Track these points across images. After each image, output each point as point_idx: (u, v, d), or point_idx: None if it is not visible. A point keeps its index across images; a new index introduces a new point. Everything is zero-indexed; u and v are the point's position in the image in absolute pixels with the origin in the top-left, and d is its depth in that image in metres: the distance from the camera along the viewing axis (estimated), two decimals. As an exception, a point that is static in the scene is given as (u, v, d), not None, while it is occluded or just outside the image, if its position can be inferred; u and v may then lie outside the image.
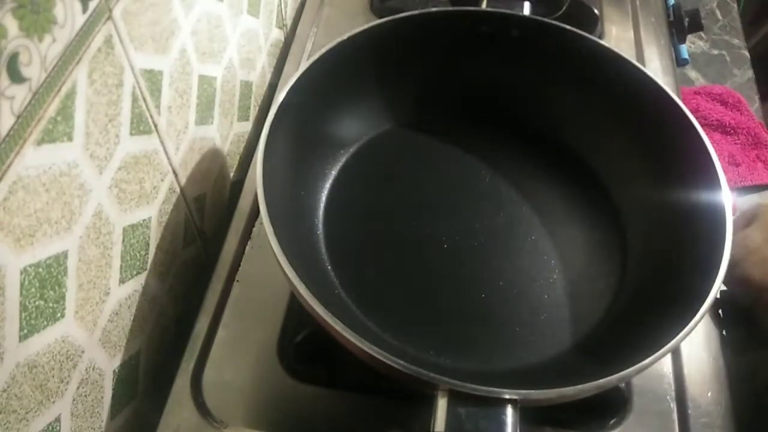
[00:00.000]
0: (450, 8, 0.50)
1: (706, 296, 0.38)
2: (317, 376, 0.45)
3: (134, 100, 0.38)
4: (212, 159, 0.51)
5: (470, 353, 0.44)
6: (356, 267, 0.47)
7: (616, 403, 0.45)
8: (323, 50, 0.46)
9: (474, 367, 0.43)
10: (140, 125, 0.39)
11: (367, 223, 0.49)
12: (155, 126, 0.41)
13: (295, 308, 0.47)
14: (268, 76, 0.64)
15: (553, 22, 0.50)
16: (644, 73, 0.48)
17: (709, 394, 0.46)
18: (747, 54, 0.81)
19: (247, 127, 0.59)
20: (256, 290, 0.48)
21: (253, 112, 0.60)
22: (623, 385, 0.45)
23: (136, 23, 0.37)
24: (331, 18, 0.69)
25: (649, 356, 0.35)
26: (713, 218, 0.43)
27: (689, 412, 0.45)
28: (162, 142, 0.42)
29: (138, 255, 0.41)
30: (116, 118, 0.36)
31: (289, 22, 0.69)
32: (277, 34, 0.65)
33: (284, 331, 0.46)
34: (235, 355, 0.46)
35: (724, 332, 0.50)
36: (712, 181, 0.44)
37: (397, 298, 0.46)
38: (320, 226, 0.48)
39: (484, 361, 0.43)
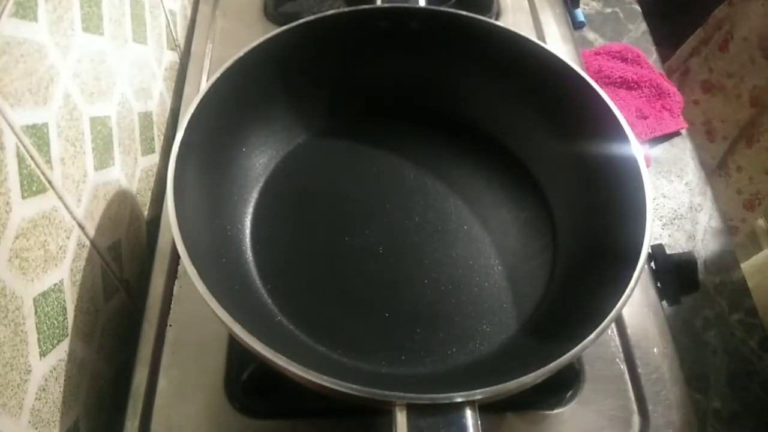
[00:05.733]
0: (345, 9, 0.49)
1: (638, 255, 0.39)
2: (272, 409, 0.43)
3: (20, 160, 0.35)
4: (120, 202, 0.48)
5: (424, 356, 0.43)
6: (294, 290, 0.45)
7: (569, 375, 0.46)
8: (218, 72, 0.44)
9: (430, 370, 0.42)
10: (32, 185, 0.36)
11: (298, 243, 0.48)
12: (49, 182, 0.38)
13: (237, 344, 0.45)
14: (169, 102, 0.61)
15: (448, 9, 0.50)
16: (540, 46, 0.49)
17: (655, 349, 0.47)
18: (638, 8, 0.84)
19: (155, 159, 0.56)
20: (192, 331, 0.46)
21: (158, 143, 0.57)
22: (573, 357, 0.46)
23: (8, 78, 0.33)
24: (225, 30, 0.66)
25: (597, 327, 0.36)
26: (629, 173, 0.44)
27: (639, 371, 0.46)
28: (60, 198, 0.39)
29: (56, 322, 0.39)
30: (3, 184, 0.33)
31: (181, 41, 0.66)
32: (171, 57, 0.62)
33: (229, 369, 0.44)
34: (181, 403, 0.43)
35: (658, 284, 0.52)
36: (621, 138, 0.45)
37: (342, 315, 0.45)
38: (249, 254, 0.46)
39: (439, 361, 0.43)
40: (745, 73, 0.92)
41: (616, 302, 0.37)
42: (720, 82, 0.96)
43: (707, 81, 0.98)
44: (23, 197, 0.35)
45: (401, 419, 0.33)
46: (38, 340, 0.37)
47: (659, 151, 0.72)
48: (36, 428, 0.36)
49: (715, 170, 1.00)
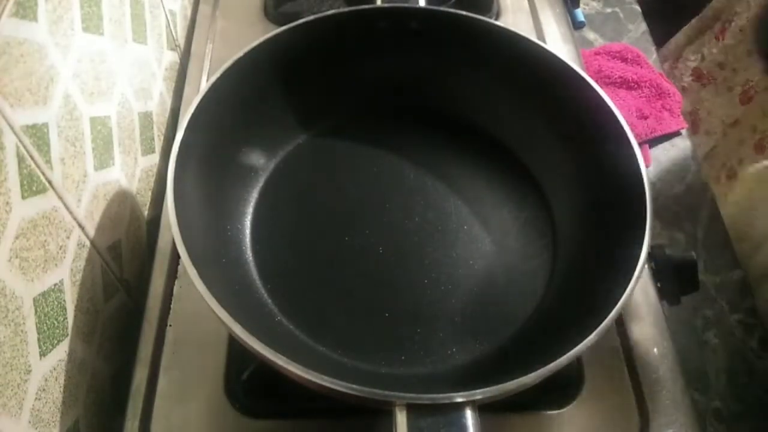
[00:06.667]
0: (345, 9, 0.49)
1: (638, 255, 0.39)
2: (273, 409, 0.43)
3: (20, 160, 0.35)
4: (121, 202, 0.48)
5: (424, 356, 0.43)
6: (294, 290, 0.45)
7: (569, 375, 0.46)
8: (218, 72, 0.44)
9: (430, 370, 0.42)
10: (32, 185, 0.36)
11: (298, 243, 0.48)
12: (49, 182, 0.38)
13: (237, 344, 0.45)
14: (169, 102, 0.60)
15: (448, 9, 0.50)
16: (540, 46, 0.49)
17: (655, 349, 0.47)
18: (638, 8, 0.84)
19: (155, 159, 0.56)
20: (192, 331, 0.46)
21: (158, 143, 0.57)
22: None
23: (8, 78, 0.33)
24: (225, 30, 0.66)
25: (597, 327, 0.36)
26: (629, 173, 0.44)
27: (639, 371, 0.46)
28: (60, 198, 0.39)
29: (56, 322, 0.39)
30: (3, 184, 0.33)
31: (181, 41, 0.66)
32: (171, 57, 0.62)
33: (229, 369, 0.44)
34: (182, 403, 0.43)
35: (658, 284, 0.51)
36: (621, 138, 0.45)
37: (342, 314, 0.45)
38: (249, 254, 0.46)
39: (439, 361, 0.43)
40: (738, 66, 0.91)
41: (616, 302, 0.37)
42: (711, 72, 0.95)
43: (698, 69, 0.97)
44: (23, 197, 0.35)
45: (401, 419, 0.33)
46: (38, 340, 0.37)
47: (659, 151, 0.72)
48: (36, 428, 0.36)
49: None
